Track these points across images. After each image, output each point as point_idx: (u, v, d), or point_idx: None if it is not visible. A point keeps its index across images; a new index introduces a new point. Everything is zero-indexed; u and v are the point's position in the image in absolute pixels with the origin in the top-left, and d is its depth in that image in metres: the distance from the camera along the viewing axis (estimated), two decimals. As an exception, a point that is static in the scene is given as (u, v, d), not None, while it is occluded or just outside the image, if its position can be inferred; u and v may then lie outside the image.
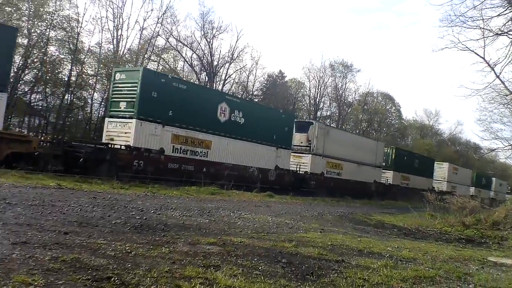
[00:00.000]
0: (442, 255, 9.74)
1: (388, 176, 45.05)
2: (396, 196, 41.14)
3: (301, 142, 33.45)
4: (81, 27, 37.35)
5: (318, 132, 33.77)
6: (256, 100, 55.66)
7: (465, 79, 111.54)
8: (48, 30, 34.83)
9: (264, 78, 63.48)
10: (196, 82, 46.25)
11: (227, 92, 46.88)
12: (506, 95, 23.85)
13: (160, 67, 47.44)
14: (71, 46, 35.96)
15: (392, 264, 7.72)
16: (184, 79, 41.68)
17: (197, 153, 23.89)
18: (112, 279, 4.82)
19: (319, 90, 68.68)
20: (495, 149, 33.95)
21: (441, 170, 57.94)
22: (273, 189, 26.32)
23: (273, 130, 29.31)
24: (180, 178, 22.08)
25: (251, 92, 58.76)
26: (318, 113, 68.20)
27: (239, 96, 45.61)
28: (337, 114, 71.47)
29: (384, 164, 44.05)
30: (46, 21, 34.75)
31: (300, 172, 32.68)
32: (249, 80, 58.82)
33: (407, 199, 35.65)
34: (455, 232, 16.33)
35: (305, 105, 70.10)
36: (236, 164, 26.33)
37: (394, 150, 46.94)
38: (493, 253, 11.41)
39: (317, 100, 68.93)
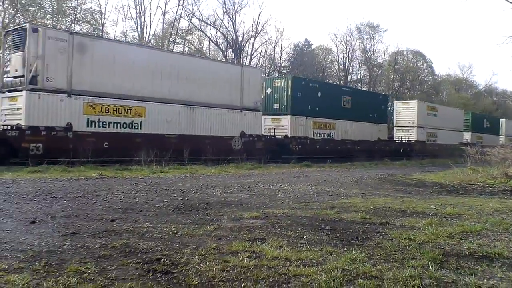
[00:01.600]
0: (487, 208, 9.59)
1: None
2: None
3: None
4: (104, 18, 37.72)
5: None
6: (285, 72, 55.26)
7: (496, 28, 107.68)
8: (72, 24, 35.27)
9: (290, 49, 63.01)
10: (223, 60, 46.15)
11: (254, 66, 46.75)
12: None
13: (186, 48, 47.58)
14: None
15: (437, 221, 7.66)
16: (211, 57, 41.73)
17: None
18: (162, 260, 4.95)
19: (347, 54, 67.81)
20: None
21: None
22: (311, 159, 26.45)
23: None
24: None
25: (278, 64, 58.38)
26: (348, 78, 67.39)
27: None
28: (368, 77, 70.40)
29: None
30: (70, 16, 35.20)
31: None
32: (275, 52, 58.45)
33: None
34: (498, 185, 16.02)
35: (335, 71, 69.29)
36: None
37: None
38: (541, 202, 11.15)
39: (346, 65, 68.01)
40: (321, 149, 30.91)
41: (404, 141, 40.33)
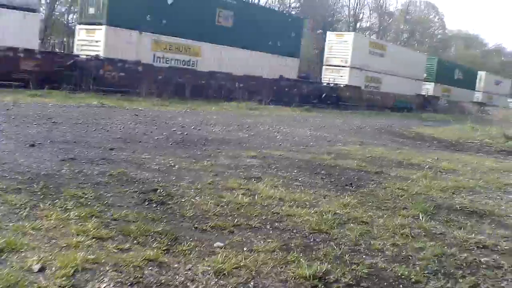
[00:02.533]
0: (482, 166, 9.67)
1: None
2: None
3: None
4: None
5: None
6: (294, 13, 54.18)
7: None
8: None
9: (301, -11, 61.35)
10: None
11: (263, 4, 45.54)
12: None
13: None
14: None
15: (431, 175, 7.74)
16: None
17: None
18: (158, 191, 5.03)
19: (359, 0, 66.07)
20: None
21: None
22: (312, 103, 26.27)
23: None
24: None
25: (288, 5, 57.12)
26: (358, 25, 66.02)
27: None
28: (378, 25, 69.07)
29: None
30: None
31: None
32: (285, -8, 57.03)
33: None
34: (496, 144, 16.04)
35: (344, 16, 67.87)
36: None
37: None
38: (536, 164, 11.23)
39: (357, 10, 66.51)
40: (168, 82, 21.39)
41: (330, 84, 31.73)
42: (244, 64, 24.96)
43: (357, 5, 65.87)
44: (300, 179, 6.51)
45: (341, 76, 31.96)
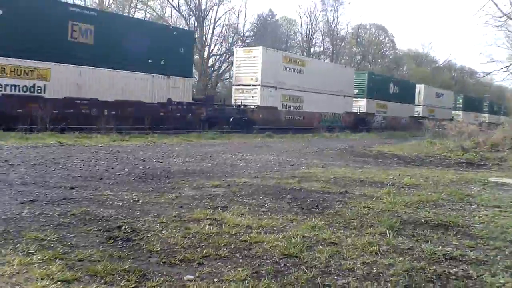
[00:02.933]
0: (443, 179, 9.89)
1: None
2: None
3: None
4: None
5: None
6: (248, 42, 54.84)
7: (457, 5, 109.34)
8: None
9: (254, 19, 62.34)
10: (185, 28, 45.25)
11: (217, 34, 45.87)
12: (500, 17, 23.56)
13: (148, 15, 46.57)
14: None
15: (394, 191, 7.86)
16: (173, 25, 40.72)
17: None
18: (123, 227, 4.91)
19: (311, 26, 67.48)
20: (491, 72, 33.82)
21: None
22: (272, 129, 26.25)
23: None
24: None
25: (242, 34, 57.84)
26: (311, 50, 67.34)
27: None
28: (331, 49, 70.62)
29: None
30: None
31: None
32: (239, 22, 57.77)
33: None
34: (454, 157, 16.50)
35: (298, 42, 69.16)
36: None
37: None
38: (494, 174, 11.57)
39: (309, 36, 67.89)
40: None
41: (241, 107, 28.47)
42: (115, 87, 21.10)
43: (309, 31, 67.36)
44: (266, 205, 6.49)
45: (253, 97, 28.71)
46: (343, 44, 72.76)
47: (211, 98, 30.79)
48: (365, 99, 40.74)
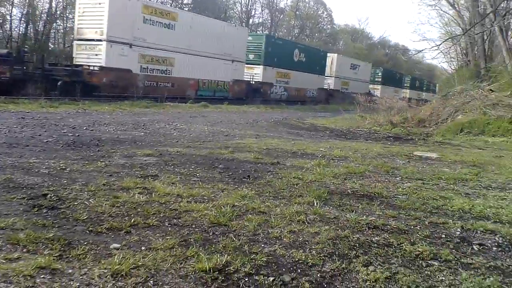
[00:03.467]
0: (371, 152, 10.23)
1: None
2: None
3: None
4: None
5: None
6: (186, 9, 53.68)
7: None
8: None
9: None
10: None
11: None
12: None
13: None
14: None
15: (324, 163, 8.05)
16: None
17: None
18: (48, 195, 4.77)
19: (250, -4, 67.00)
20: (422, 50, 34.92)
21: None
22: (207, 99, 25.88)
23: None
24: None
25: (180, 1, 56.60)
26: (250, 21, 67.03)
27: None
28: (269, 21, 70.56)
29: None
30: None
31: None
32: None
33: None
34: (383, 131, 17.10)
35: (237, 12, 68.55)
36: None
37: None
38: (419, 149, 12.08)
39: (249, 7, 67.46)
40: None
41: (75, 67, 21.82)
42: None
43: (249, 2, 66.87)
44: (198, 174, 6.49)
45: (97, 55, 22.18)
46: (282, 16, 72.85)
47: (21, 53, 21.47)
48: (261, 66, 34.42)
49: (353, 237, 4.23)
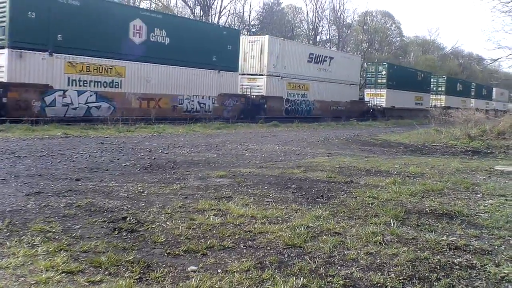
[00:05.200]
0: (449, 168, 9.85)
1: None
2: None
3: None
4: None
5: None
6: (254, 30, 54.56)
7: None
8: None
9: (260, 7, 62.09)
10: (191, 17, 45.09)
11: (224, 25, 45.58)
12: (507, 2, 23.34)
13: (153, 5, 46.45)
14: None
15: (400, 180, 7.84)
16: (179, 14, 40.47)
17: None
18: (128, 218, 4.94)
19: (317, 13, 67.07)
20: (498, 58, 33.54)
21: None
22: (279, 119, 26.07)
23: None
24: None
25: (247, 23, 57.66)
26: (318, 38, 67.01)
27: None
28: (337, 37, 70.23)
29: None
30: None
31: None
32: (244, 11, 57.54)
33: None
34: (461, 145, 16.44)
35: (304, 30, 68.83)
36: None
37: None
38: (500, 163, 11.52)
39: (316, 24, 67.50)
40: None
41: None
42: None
43: (315, 19, 66.95)
44: (271, 195, 6.50)
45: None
46: (349, 31, 72.31)
47: None
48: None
49: (434, 259, 4.07)
